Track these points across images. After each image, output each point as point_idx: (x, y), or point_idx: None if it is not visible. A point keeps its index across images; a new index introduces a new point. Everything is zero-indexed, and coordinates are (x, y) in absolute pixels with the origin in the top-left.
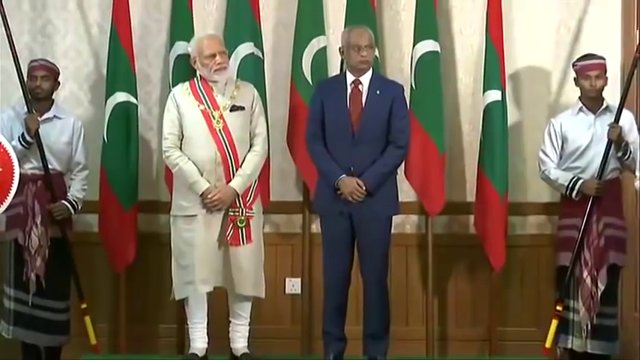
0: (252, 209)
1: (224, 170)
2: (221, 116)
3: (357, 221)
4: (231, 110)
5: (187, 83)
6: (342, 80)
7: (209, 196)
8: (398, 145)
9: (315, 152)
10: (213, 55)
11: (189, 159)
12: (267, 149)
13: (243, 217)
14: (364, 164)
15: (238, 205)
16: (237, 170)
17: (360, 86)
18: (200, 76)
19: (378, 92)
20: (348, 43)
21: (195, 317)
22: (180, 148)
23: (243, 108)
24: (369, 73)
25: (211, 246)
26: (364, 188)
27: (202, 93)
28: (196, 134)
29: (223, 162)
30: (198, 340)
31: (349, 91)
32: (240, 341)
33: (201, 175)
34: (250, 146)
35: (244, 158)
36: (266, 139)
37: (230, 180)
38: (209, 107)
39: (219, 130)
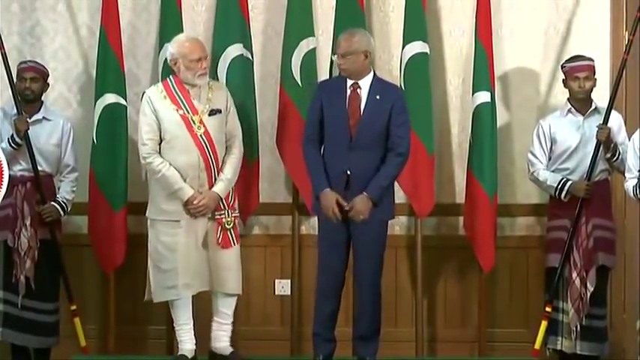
0: (235, 210)
1: (207, 176)
2: (201, 121)
3: (353, 224)
4: (209, 114)
5: (160, 86)
6: (342, 82)
7: (194, 202)
8: (397, 152)
9: (308, 156)
10: (199, 59)
11: (170, 165)
12: (242, 149)
13: (230, 219)
14: (361, 168)
15: (223, 207)
16: (218, 174)
17: (358, 90)
18: (174, 78)
19: (377, 97)
20: (335, 49)
21: (180, 320)
22: (159, 153)
23: (220, 111)
24: (370, 77)
25: (194, 251)
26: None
27: (179, 97)
28: (177, 140)
29: (207, 168)
30: (187, 341)
31: (348, 94)
32: (225, 340)
33: (184, 180)
34: (226, 148)
35: (223, 161)
36: (241, 139)
37: (212, 184)
38: (188, 112)
39: (201, 135)
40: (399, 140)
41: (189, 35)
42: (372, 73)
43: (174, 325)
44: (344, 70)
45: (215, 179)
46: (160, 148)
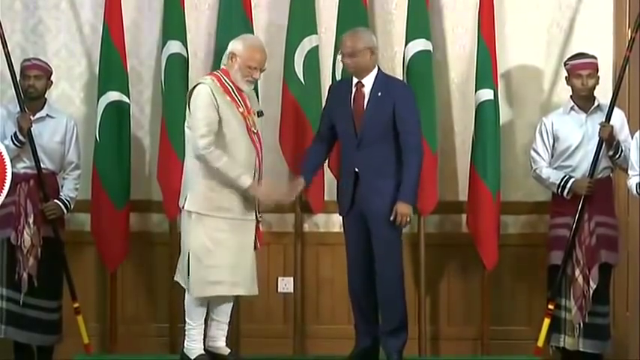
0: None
1: (258, 176)
2: (254, 122)
3: (370, 219)
4: (258, 115)
5: (214, 80)
6: (348, 82)
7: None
8: (409, 149)
9: (307, 150)
10: (256, 68)
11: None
12: None
13: (261, 221)
14: (368, 166)
15: (261, 211)
16: (260, 177)
17: (362, 88)
18: (224, 73)
19: (379, 94)
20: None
21: (201, 319)
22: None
23: (263, 113)
24: (373, 74)
25: (245, 250)
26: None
27: (236, 95)
28: (239, 138)
29: (259, 168)
30: (200, 341)
31: (353, 93)
32: (223, 340)
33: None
34: None
35: None
36: None
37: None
38: (245, 110)
39: (255, 134)
40: (407, 136)
41: (259, 42)
42: (375, 70)
43: (191, 322)
44: (351, 69)
45: (259, 180)
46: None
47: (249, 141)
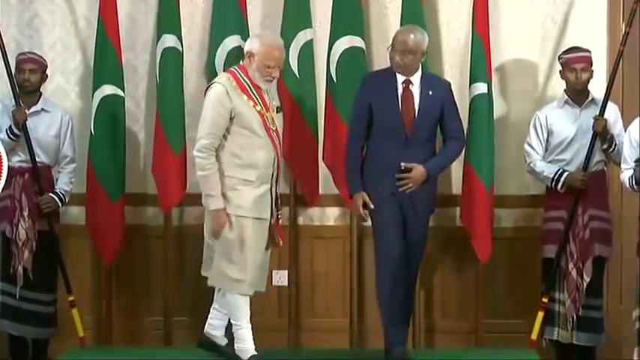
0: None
1: (276, 174)
2: (272, 119)
3: (411, 209)
4: (277, 112)
5: (230, 77)
6: (391, 78)
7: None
8: (458, 141)
9: (351, 154)
10: (274, 67)
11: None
12: None
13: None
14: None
15: (280, 208)
16: (278, 175)
17: (410, 86)
18: (241, 70)
19: (430, 92)
20: (393, 44)
21: (247, 318)
22: (227, 149)
23: (282, 109)
24: (419, 72)
25: (262, 249)
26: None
27: (253, 92)
28: (257, 136)
29: (277, 166)
30: (251, 340)
31: (400, 90)
32: (222, 330)
33: (261, 179)
34: None
35: None
36: None
37: (276, 186)
38: (262, 108)
39: (274, 132)
40: (457, 132)
41: (276, 39)
42: (420, 69)
43: (241, 322)
44: (401, 66)
45: (277, 180)
46: (225, 143)
47: (268, 139)
